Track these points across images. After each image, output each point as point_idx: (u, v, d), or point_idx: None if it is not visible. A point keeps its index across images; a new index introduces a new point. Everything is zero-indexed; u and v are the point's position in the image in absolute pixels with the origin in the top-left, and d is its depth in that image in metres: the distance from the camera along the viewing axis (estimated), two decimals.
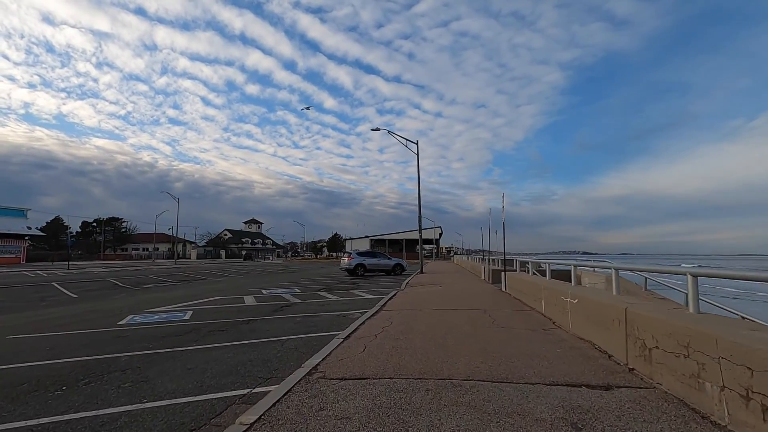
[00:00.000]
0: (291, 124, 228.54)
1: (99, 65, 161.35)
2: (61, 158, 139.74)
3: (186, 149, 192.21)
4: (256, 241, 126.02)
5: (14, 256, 54.34)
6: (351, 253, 25.44)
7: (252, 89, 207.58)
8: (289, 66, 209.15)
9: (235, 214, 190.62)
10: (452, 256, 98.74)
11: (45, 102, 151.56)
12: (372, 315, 8.51)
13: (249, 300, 12.53)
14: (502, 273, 13.21)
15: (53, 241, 76.14)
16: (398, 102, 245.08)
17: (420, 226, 25.34)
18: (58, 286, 18.06)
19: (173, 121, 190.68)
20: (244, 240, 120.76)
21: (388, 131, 25.38)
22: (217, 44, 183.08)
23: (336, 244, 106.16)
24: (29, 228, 57.56)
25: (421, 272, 24.77)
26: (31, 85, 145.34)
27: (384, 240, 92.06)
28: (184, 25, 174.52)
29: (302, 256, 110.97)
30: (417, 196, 25.66)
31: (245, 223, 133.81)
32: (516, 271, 13.17)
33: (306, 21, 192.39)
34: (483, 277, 19.55)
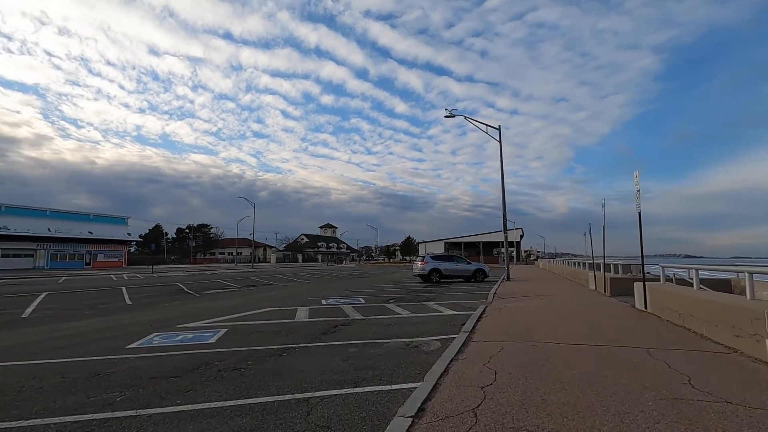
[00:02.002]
0: (364, 131, 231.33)
1: (194, 88, 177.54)
2: (166, 173, 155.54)
3: (269, 160, 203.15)
4: (331, 245, 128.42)
5: (117, 260, 59.69)
6: (425, 257, 22.59)
7: (327, 99, 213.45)
8: (361, 74, 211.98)
9: (314, 219, 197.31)
10: (535, 260, 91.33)
11: (152, 124, 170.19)
12: (459, 351, 5.61)
13: (301, 314, 10.27)
14: (638, 284, 9.45)
15: (154, 246, 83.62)
16: (471, 102, 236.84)
17: (505, 224, 21.72)
18: (125, 291, 17.61)
19: (257, 135, 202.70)
20: (319, 244, 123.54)
21: (465, 117, 22.19)
22: (294, 59, 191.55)
23: (409, 247, 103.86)
24: (129, 234, 63.01)
25: (508, 279, 21.12)
26: (141, 110, 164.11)
27: (459, 243, 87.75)
28: (265, 44, 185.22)
29: (376, 260, 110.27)
30: (495, 195, 22.09)
31: (321, 227, 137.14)
32: (660, 282, 9.36)
33: (377, 28, 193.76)
34: (593, 287, 15.52)
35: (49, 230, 51.72)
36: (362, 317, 9.66)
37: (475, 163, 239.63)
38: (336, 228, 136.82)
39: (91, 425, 3.43)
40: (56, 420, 3.55)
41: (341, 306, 11.86)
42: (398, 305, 11.86)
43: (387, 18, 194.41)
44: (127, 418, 3.57)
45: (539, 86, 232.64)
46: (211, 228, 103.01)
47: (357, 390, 4.22)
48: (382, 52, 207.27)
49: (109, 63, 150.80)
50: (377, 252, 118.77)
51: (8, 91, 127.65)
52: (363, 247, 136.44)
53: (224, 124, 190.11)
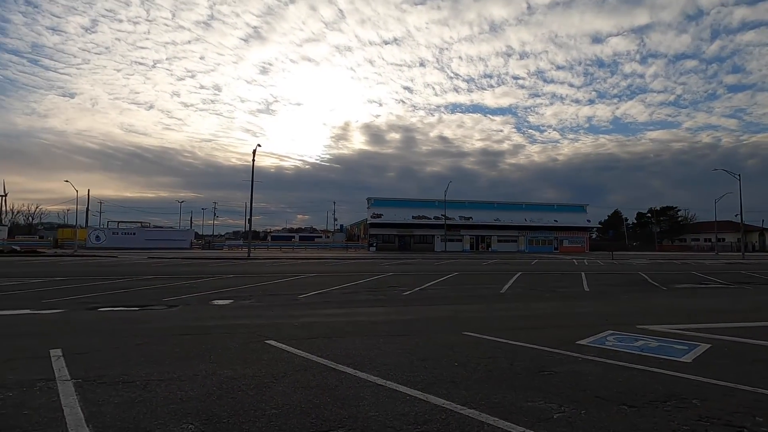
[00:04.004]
0: None
1: (643, 60, 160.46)
2: (621, 158, 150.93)
3: (757, 117, 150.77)
4: None
5: (579, 245, 63.40)
6: None
7: None
8: None
9: None
10: None
11: (602, 112, 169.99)
12: None
13: None
14: None
15: (612, 232, 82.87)
16: None
17: None
18: (583, 277, 17.64)
19: (734, 89, 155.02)
20: None
21: None
22: None
23: None
24: (588, 221, 65.33)
25: None
26: (590, 102, 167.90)
27: None
28: None
29: None
30: None
31: None
32: None
33: None
34: None
35: (525, 220, 62.51)
36: None
37: None
38: None
39: None
40: (491, 420, 3.21)
41: None
42: None
43: None
44: None
45: None
46: (678, 210, 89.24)
47: None
48: None
49: (558, 68, 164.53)
50: None
51: (494, 117, 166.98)
52: None
53: (684, 88, 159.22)
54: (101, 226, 63.33)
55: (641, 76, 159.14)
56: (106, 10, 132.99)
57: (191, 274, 18.02)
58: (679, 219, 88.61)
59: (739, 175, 43.02)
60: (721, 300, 11.13)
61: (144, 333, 6.51)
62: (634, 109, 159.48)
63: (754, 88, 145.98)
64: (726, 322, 7.55)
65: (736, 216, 48.47)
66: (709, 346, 5.70)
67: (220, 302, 10.20)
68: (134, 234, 56.47)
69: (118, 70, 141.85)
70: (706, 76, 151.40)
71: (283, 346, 5.51)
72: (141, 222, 64.94)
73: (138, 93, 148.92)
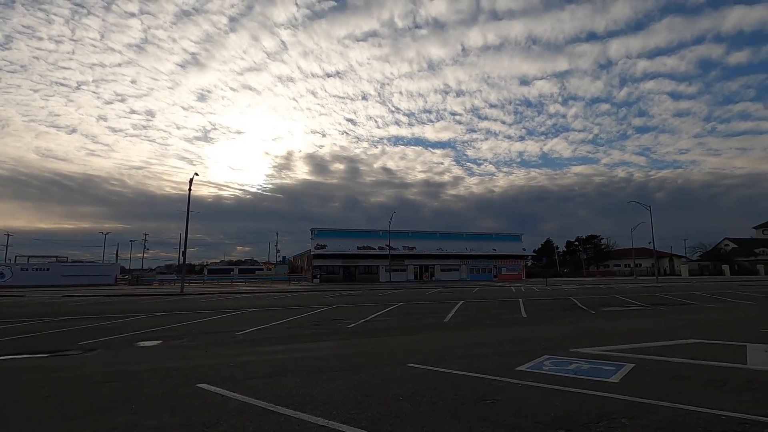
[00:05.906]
0: None
1: (564, 102, 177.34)
2: (551, 190, 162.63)
3: (661, 155, 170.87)
4: None
5: (517, 273, 66.51)
6: None
7: (737, 58, 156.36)
8: None
9: (744, 218, 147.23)
10: None
11: (532, 148, 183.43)
12: None
13: (757, 356, 6.69)
14: None
15: (545, 259, 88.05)
16: None
17: None
18: (521, 304, 18.40)
19: (641, 130, 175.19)
20: (757, 250, 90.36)
21: None
22: (676, 27, 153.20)
23: None
24: (524, 249, 69.02)
25: None
26: (521, 138, 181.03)
27: None
28: (637, 26, 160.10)
29: None
30: None
31: (757, 228, 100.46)
32: None
33: None
34: None
35: (467, 249, 64.66)
36: None
37: None
38: None
39: None
40: None
41: None
42: None
43: None
44: None
45: None
46: (601, 239, 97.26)
47: None
48: None
49: (491, 106, 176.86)
50: None
51: (435, 150, 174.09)
52: None
53: (600, 128, 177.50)
54: (7, 262, 56.26)
55: (564, 116, 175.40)
56: (24, 26, 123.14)
57: (114, 313, 16.40)
58: (603, 246, 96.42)
59: (650, 207, 48.01)
60: (642, 321, 12.09)
61: (53, 383, 5.74)
62: (559, 146, 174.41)
63: (657, 129, 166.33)
64: (647, 342, 8.17)
65: (649, 243, 53.81)
66: (633, 365, 6.12)
67: (148, 343, 9.33)
68: (48, 270, 50.69)
69: (36, 91, 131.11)
70: (618, 118, 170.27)
71: (218, 389, 5.11)
72: (57, 256, 58.59)
73: (58, 116, 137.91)
